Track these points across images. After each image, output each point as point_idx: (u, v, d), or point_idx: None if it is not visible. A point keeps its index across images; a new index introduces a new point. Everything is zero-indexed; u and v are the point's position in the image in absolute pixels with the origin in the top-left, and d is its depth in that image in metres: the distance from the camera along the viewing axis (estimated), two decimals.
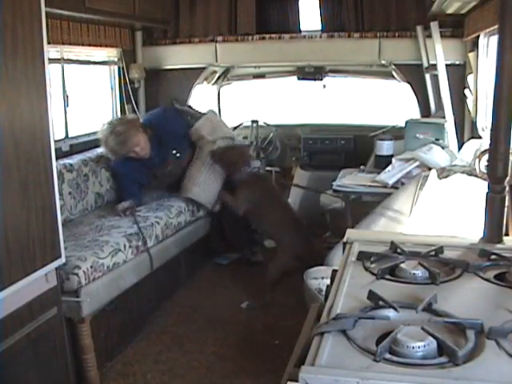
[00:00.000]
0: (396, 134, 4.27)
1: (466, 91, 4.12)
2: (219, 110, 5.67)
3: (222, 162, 3.97)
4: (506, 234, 1.81)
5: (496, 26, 1.66)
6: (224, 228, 4.23)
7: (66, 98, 3.88)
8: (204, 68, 4.85)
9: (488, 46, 3.79)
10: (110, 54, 4.43)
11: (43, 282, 2.24)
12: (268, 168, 5.09)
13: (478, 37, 3.82)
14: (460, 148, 3.92)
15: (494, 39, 3.52)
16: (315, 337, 1.12)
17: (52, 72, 3.44)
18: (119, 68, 4.54)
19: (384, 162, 3.83)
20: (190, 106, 4.72)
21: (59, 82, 3.82)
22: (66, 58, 3.87)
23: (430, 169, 3.37)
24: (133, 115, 4.22)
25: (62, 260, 2.33)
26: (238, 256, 4.35)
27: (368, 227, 3.01)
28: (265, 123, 5.21)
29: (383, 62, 4.54)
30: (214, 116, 4.42)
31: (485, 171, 2.83)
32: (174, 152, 4.08)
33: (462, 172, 3.17)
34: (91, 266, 2.79)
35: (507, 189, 1.70)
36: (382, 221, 3.05)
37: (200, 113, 4.46)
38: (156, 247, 3.43)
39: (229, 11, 4.73)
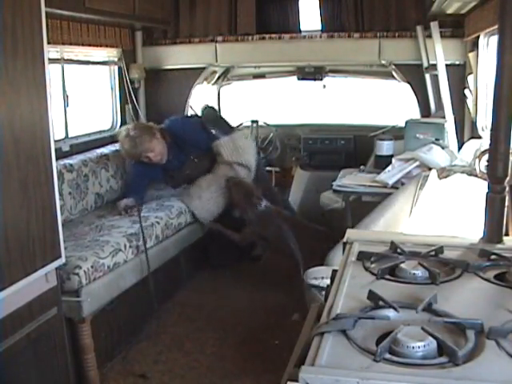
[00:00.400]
0: (396, 134, 4.27)
1: (466, 91, 4.12)
2: (219, 110, 5.67)
3: (234, 193, 3.90)
4: (506, 234, 1.81)
5: (496, 26, 1.66)
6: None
7: (66, 98, 3.88)
8: (204, 68, 4.84)
9: (488, 45, 3.79)
10: (110, 54, 4.43)
11: (43, 282, 2.24)
12: (268, 168, 5.09)
13: (478, 37, 3.82)
14: (460, 148, 3.92)
15: (494, 39, 3.52)
16: (315, 337, 1.12)
17: (52, 72, 3.43)
18: (119, 68, 4.53)
19: (384, 162, 3.83)
20: (222, 117, 4.65)
21: (59, 82, 3.82)
22: (65, 58, 3.87)
23: (430, 169, 3.37)
24: (151, 123, 4.16)
25: (62, 260, 2.33)
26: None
27: (368, 227, 3.01)
28: (265, 123, 5.21)
29: (383, 61, 4.53)
30: (239, 138, 4.24)
31: (485, 171, 2.83)
32: (193, 158, 4.11)
33: (462, 172, 3.17)
34: (92, 266, 2.79)
35: (507, 189, 1.70)
36: (381, 221, 3.05)
37: (231, 127, 4.38)
38: (156, 247, 3.43)
39: (229, 11, 4.73)
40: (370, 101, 6.40)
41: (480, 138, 3.81)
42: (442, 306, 1.23)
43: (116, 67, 4.52)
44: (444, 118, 4.02)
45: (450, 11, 3.82)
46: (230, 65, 5.24)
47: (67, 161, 3.62)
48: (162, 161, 3.97)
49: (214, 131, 4.22)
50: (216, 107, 5.54)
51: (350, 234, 1.76)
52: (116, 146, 4.21)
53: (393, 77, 4.80)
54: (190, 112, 4.92)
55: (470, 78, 4.07)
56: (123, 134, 3.91)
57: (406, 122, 4.03)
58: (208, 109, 4.68)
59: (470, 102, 4.10)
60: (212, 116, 4.56)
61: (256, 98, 6.45)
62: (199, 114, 4.71)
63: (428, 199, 3.00)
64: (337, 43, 4.53)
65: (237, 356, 3.11)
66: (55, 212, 2.26)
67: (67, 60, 3.90)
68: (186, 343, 3.25)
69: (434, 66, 4.14)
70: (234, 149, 4.11)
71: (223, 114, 5.03)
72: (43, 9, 2.14)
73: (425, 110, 4.40)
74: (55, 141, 2.37)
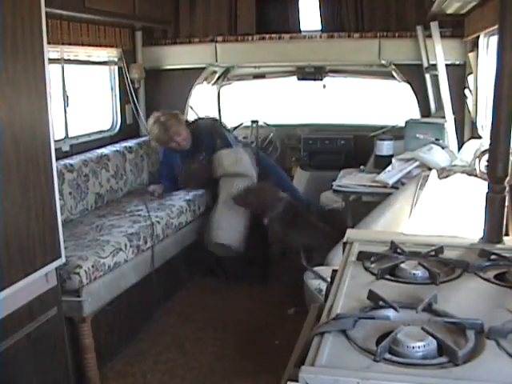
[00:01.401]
0: (396, 134, 4.27)
1: (466, 91, 4.12)
2: (219, 110, 5.67)
3: (248, 205, 3.85)
4: (506, 234, 1.81)
5: (496, 26, 1.66)
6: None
7: (66, 98, 3.88)
8: (204, 68, 4.84)
9: (488, 45, 3.79)
10: (110, 54, 4.43)
11: (43, 282, 2.24)
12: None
13: (478, 37, 3.82)
14: (460, 148, 3.92)
15: (494, 39, 3.52)
16: (315, 337, 1.12)
17: (52, 72, 3.43)
18: (119, 68, 4.53)
19: (384, 162, 3.83)
20: (226, 129, 4.67)
21: (59, 82, 3.82)
22: (66, 58, 3.87)
23: (430, 169, 3.37)
24: (176, 111, 4.41)
25: (62, 260, 2.33)
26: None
27: (368, 227, 3.01)
28: (265, 123, 5.21)
29: (383, 61, 4.53)
30: (243, 154, 4.20)
31: (485, 171, 2.83)
32: (201, 158, 4.20)
33: (462, 172, 3.17)
34: (92, 266, 2.79)
35: (507, 189, 1.69)
36: (381, 221, 3.05)
37: (231, 140, 4.39)
38: (156, 247, 3.43)
39: (229, 11, 4.73)
40: (370, 101, 6.40)
41: (480, 137, 3.81)
42: (442, 305, 1.23)
43: (116, 67, 4.52)
44: (444, 118, 4.02)
45: (450, 11, 3.82)
46: (230, 65, 5.24)
47: (67, 161, 3.62)
48: (187, 146, 4.21)
49: (218, 141, 4.26)
50: (215, 108, 5.56)
51: (350, 234, 1.76)
52: (116, 147, 4.22)
53: (393, 77, 4.80)
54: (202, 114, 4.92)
55: (470, 78, 4.07)
56: (151, 121, 4.18)
57: (406, 122, 4.03)
58: (213, 120, 4.67)
59: (469, 101, 4.10)
60: (218, 127, 4.56)
61: (256, 97, 6.45)
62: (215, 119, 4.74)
63: (428, 199, 3.00)
64: (337, 43, 4.53)
65: (237, 356, 3.12)
66: (55, 212, 2.26)
67: (67, 60, 3.90)
68: (185, 343, 3.25)
69: (434, 66, 4.14)
70: (237, 160, 4.11)
71: (223, 115, 5.02)
72: (43, 9, 2.14)
73: (425, 110, 4.40)
74: (55, 141, 2.36)
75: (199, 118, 4.61)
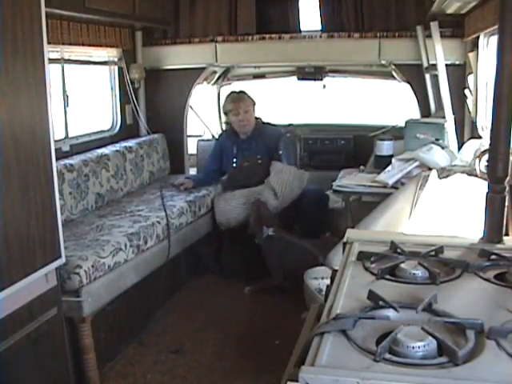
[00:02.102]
0: (396, 134, 4.27)
1: (466, 91, 4.12)
2: (219, 110, 5.67)
3: (253, 214, 3.88)
4: (506, 234, 1.81)
5: (496, 26, 1.66)
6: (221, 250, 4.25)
7: (66, 98, 3.88)
8: (204, 68, 4.84)
9: (488, 45, 3.79)
10: (110, 54, 4.43)
11: (43, 282, 2.24)
12: None
13: (478, 37, 3.82)
14: (460, 148, 3.92)
15: (494, 39, 3.52)
16: (315, 337, 1.12)
17: (52, 72, 3.43)
18: (119, 68, 4.53)
19: (384, 162, 3.83)
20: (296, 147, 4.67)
21: (59, 82, 3.82)
22: (66, 58, 3.87)
23: (429, 169, 3.37)
24: None
25: (62, 260, 2.33)
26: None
27: (368, 227, 3.01)
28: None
29: (383, 61, 4.53)
30: (294, 173, 4.19)
31: (485, 171, 2.83)
32: (258, 157, 4.25)
33: (462, 172, 3.17)
34: (92, 266, 2.79)
35: (507, 189, 1.69)
36: (381, 221, 3.04)
37: (296, 160, 4.47)
38: (156, 247, 3.43)
39: (229, 11, 4.73)
40: (369, 101, 6.40)
41: (480, 137, 3.81)
42: (442, 306, 1.23)
43: (116, 67, 4.52)
44: (444, 118, 4.02)
45: (450, 11, 3.82)
46: (230, 65, 5.24)
47: (67, 161, 3.62)
48: (247, 132, 4.31)
49: (280, 152, 4.29)
50: (215, 108, 5.57)
51: (350, 233, 1.76)
52: (116, 147, 4.22)
53: (393, 77, 4.80)
54: None
55: (470, 78, 4.07)
56: (228, 93, 4.47)
57: (406, 122, 4.03)
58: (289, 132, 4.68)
59: (469, 102, 4.10)
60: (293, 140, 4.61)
61: (256, 97, 6.45)
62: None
63: (428, 199, 3.00)
64: (337, 43, 4.53)
65: (237, 356, 3.11)
66: (55, 212, 2.26)
67: (67, 60, 3.90)
68: (186, 343, 3.25)
69: (434, 66, 4.14)
70: (285, 180, 4.10)
71: (222, 116, 5.04)
72: (43, 9, 2.14)
73: (425, 110, 4.40)
74: (55, 141, 2.36)
75: (273, 125, 4.58)
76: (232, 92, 4.46)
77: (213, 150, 4.52)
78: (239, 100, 4.30)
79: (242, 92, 4.42)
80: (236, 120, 4.31)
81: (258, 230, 3.80)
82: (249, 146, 4.32)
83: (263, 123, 4.45)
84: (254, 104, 4.37)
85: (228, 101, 4.38)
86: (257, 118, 4.40)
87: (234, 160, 4.33)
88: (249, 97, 4.37)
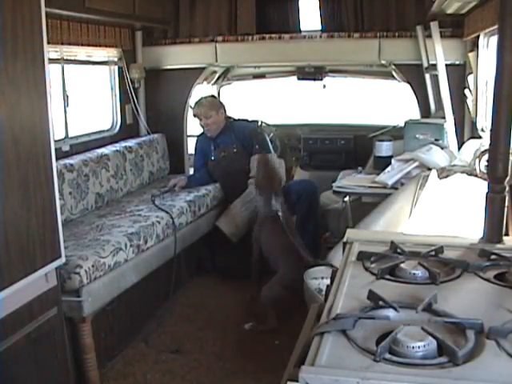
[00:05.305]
0: (396, 134, 4.27)
1: (466, 91, 4.12)
2: None
3: (261, 172, 3.82)
4: (506, 234, 1.81)
5: (496, 26, 1.66)
6: (215, 251, 4.26)
7: (66, 98, 3.88)
8: (204, 68, 4.84)
9: (488, 45, 3.79)
10: (110, 54, 4.42)
11: (43, 281, 2.23)
12: None
13: (478, 37, 3.82)
14: (460, 148, 3.92)
15: (494, 39, 3.52)
16: (315, 337, 1.12)
17: (52, 72, 3.43)
18: (119, 68, 4.53)
19: (383, 162, 3.83)
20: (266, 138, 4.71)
21: (59, 82, 3.82)
22: (65, 58, 3.87)
23: (429, 169, 3.37)
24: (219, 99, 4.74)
25: (62, 260, 2.33)
26: None
27: (368, 227, 3.01)
28: (265, 123, 5.21)
29: (383, 61, 4.53)
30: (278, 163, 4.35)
31: (485, 171, 2.83)
32: (234, 147, 4.39)
33: (462, 172, 3.17)
34: (93, 265, 2.79)
35: (507, 189, 1.70)
36: (381, 221, 3.04)
37: (269, 148, 4.51)
38: (156, 246, 3.43)
39: (229, 11, 4.73)
40: (369, 101, 6.41)
41: (480, 137, 3.81)
42: (442, 306, 1.23)
43: (116, 67, 4.52)
44: (444, 118, 4.02)
45: (449, 11, 3.82)
46: (230, 65, 5.24)
47: (67, 161, 3.62)
48: (211, 134, 4.41)
49: (257, 146, 4.36)
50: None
51: (350, 233, 1.76)
52: (116, 146, 4.22)
53: (393, 77, 4.80)
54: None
55: (470, 78, 4.07)
56: (197, 99, 4.50)
57: (406, 123, 4.03)
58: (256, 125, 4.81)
59: (469, 102, 4.10)
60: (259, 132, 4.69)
61: (256, 97, 6.46)
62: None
63: (428, 199, 3.00)
64: (337, 43, 4.53)
65: (237, 356, 3.11)
66: (55, 212, 2.26)
67: (67, 60, 3.90)
68: (185, 343, 3.25)
69: (434, 66, 4.14)
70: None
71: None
72: (43, 9, 2.14)
73: (425, 110, 4.40)
74: (55, 141, 2.36)
75: (244, 120, 4.69)
76: (201, 97, 4.49)
77: (196, 148, 4.61)
78: (199, 107, 4.38)
79: (208, 97, 4.51)
80: (200, 124, 4.44)
81: (267, 191, 3.64)
82: (223, 141, 4.42)
83: (235, 120, 4.55)
84: (220, 108, 4.41)
85: (193, 107, 4.47)
86: (229, 118, 4.48)
87: (213, 154, 4.44)
88: (213, 103, 4.43)
